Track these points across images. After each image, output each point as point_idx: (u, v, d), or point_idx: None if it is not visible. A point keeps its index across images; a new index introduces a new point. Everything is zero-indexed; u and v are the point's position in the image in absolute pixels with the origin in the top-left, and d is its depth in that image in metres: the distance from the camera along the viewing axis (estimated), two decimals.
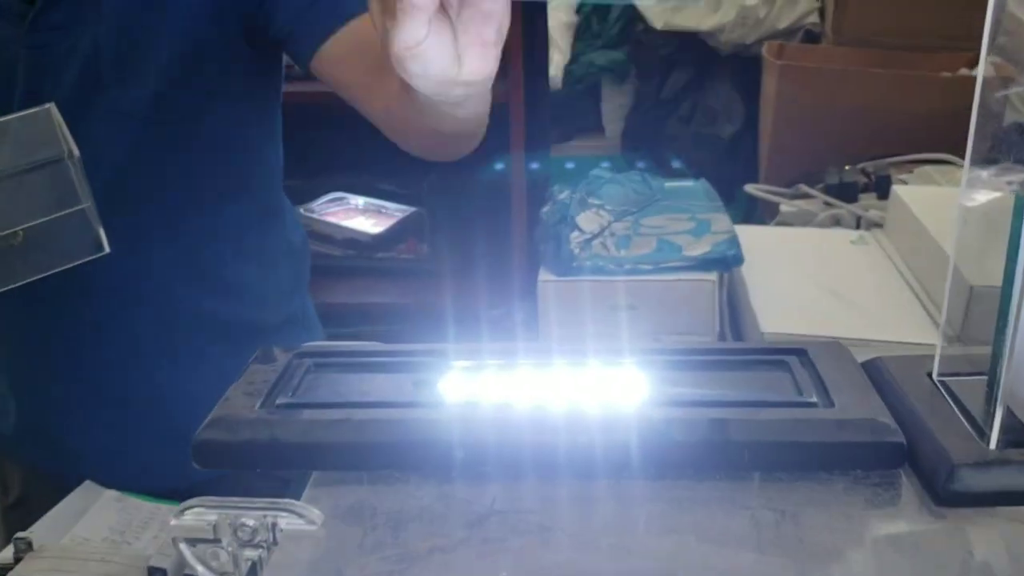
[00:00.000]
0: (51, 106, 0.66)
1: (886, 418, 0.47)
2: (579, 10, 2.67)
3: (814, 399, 0.49)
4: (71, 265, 0.71)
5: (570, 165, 2.25)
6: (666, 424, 0.46)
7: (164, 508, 0.87)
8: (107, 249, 0.69)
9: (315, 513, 0.44)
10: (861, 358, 0.96)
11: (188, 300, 0.90)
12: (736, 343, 0.56)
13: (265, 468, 0.48)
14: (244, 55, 0.85)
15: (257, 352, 0.55)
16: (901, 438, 0.46)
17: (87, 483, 0.90)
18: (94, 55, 0.79)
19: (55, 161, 0.64)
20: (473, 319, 1.38)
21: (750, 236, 1.16)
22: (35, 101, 0.78)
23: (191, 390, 0.92)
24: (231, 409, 0.49)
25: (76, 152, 0.64)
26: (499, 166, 1.42)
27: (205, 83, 0.84)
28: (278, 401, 0.50)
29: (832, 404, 0.48)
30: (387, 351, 0.56)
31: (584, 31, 2.61)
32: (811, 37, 2.09)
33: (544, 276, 1.11)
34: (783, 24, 2.07)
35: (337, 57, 0.80)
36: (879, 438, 0.46)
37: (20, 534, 0.77)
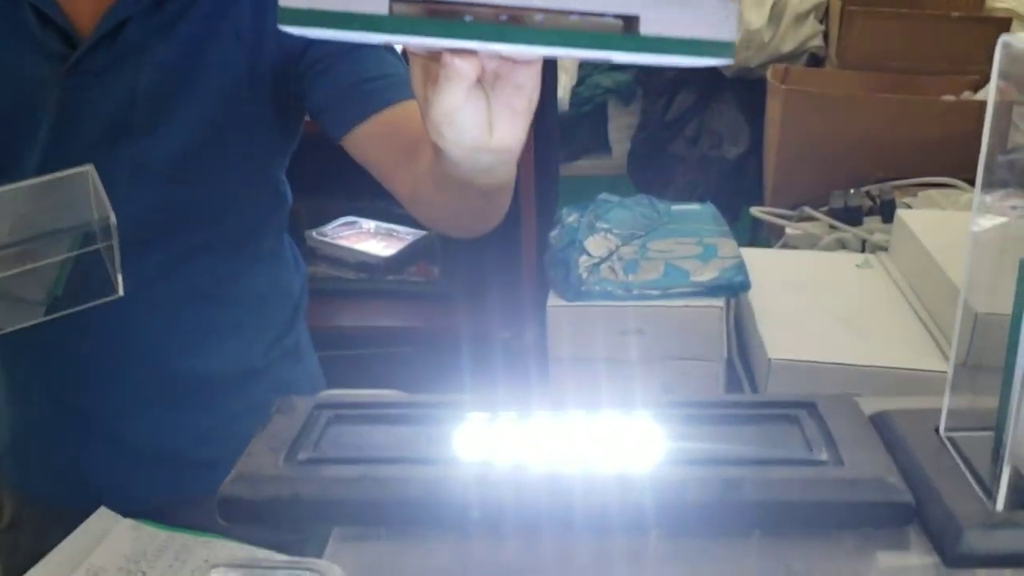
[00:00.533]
0: (90, 167, 0.69)
1: (894, 477, 0.47)
2: None
3: (824, 456, 0.49)
4: (86, 307, 0.73)
5: (576, 187, 2.27)
6: (681, 484, 0.47)
7: (178, 536, 0.88)
8: (120, 293, 0.71)
9: (337, 571, 0.45)
10: (866, 384, 0.97)
11: (184, 344, 0.92)
12: (745, 395, 0.56)
13: (288, 523, 0.49)
14: (271, 117, 0.87)
15: (277, 403, 0.56)
16: (910, 498, 0.47)
17: (102, 510, 0.90)
18: (128, 105, 0.81)
19: (86, 223, 0.66)
20: (483, 342, 1.39)
21: (756, 259, 1.17)
22: (60, 142, 0.80)
23: (184, 423, 0.94)
24: (254, 465, 0.50)
25: (113, 218, 0.66)
26: None
27: (230, 142, 0.85)
28: (300, 456, 0.51)
29: (841, 462, 0.49)
30: (406, 402, 0.57)
31: None
32: (815, 60, 2.11)
33: (553, 301, 1.12)
34: (787, 48, 2.09)
35: (369, 139, 0.82)
36: (888, 498, 0.47)
37: None
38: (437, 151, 0.52)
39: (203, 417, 0.93)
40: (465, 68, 0.44)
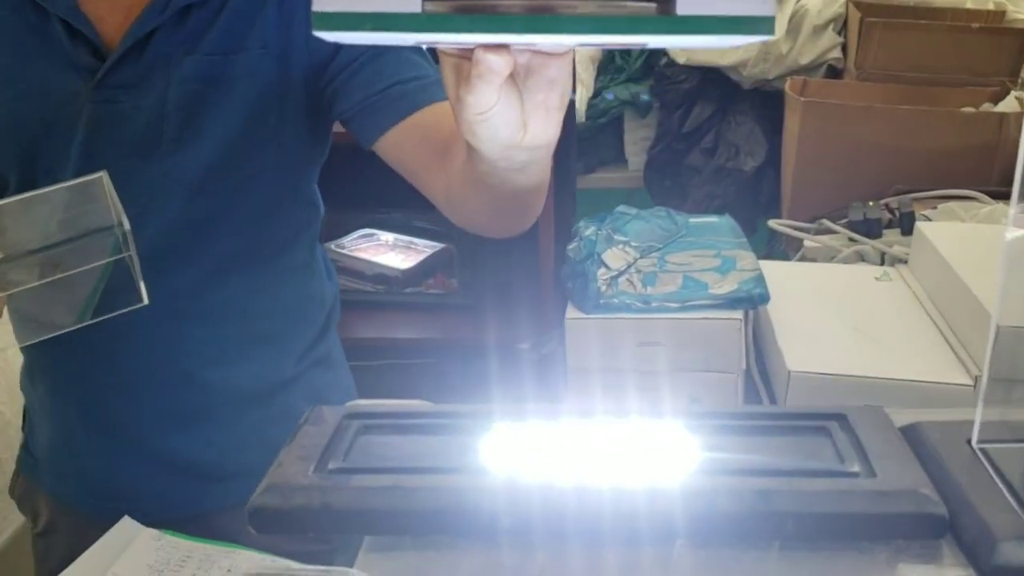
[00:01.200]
0: (103, 174, 0.69)
1: (928, 489, 0.47)
2: None
3: (856, 468, 0.49)
4: (111, 316, 0.74)
5: (593, 199, 2.27)
6: (713, 494, 0.47)
7: (200, 546, 0.88)
8: (146, 301, 0.72)
9: None
10: (887, 397, 0.97)
11: (217, 356, 0.92)
12: (775, 407, 0.56)
13: (318, 533, 0.50)
14: (302, 126, 0.87)
15: (307, 413, 0.56)
16: (943, 510, 0.47)
17: (125, 520, 0.90)
18: (158, 118, 0.81)
19: (105, 229, 0.67)
20: (501, 354, 1.40)
21: (774, 272, 1.17)
22: (91, 156, 0.81)
23: (216, 434, 0.94)
24: (285, 475, 0.51)
25: (127, 224, 0.66)
26: None
27: (261, 153, 0.86)
28: (330, 466, 0.52)
29: (874, 474, 0.49)
30: (434, 412, 0.57)
31: (607, 65, 2.64)
32: (833, 73, 2.10)
33: (572, 314, 1.13)
34: (805, 60, 2.09)
35: (402, 143, 0.82)
36: (922, 510, 0.47)
37: None
38: (471, 151, 0.52)
39: (235, 427, 0.94)
40: (498, 64, 0.44)
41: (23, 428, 1.02)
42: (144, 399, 0.91)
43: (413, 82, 0.82)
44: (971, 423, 0.51)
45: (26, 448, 1.01)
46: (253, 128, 0.84)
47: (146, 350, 0.89)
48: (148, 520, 0.90)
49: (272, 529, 0.49)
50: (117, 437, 0.93)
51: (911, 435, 0.52)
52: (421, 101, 0.81)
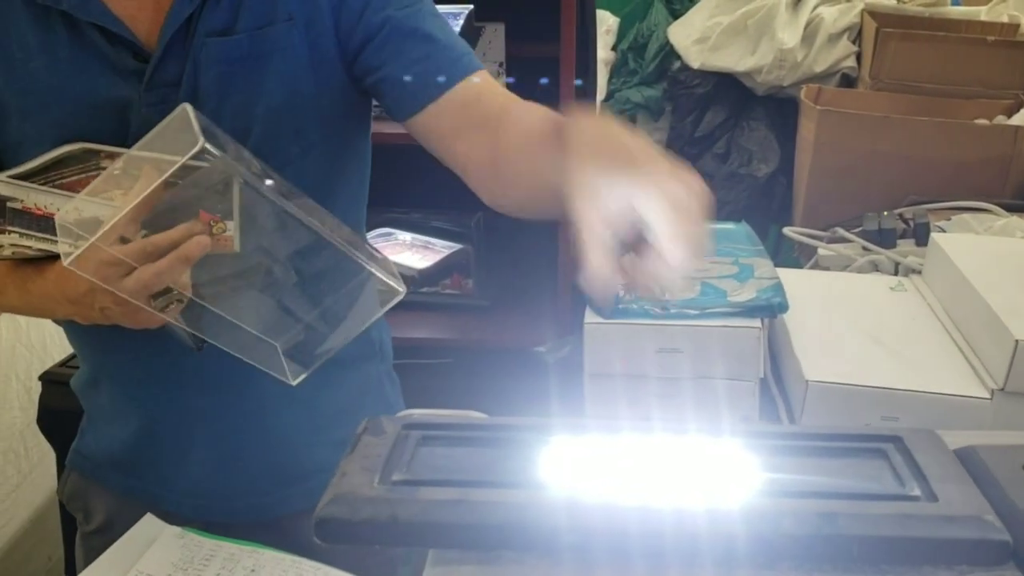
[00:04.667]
0: (187, 105, 0.69)
1: (990, 515, 0.48)
2: (615, 47, 2.72)
3: (917, 492, 0.50)
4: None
5: None
6: (777, 516, 0.48)
7: (225, 545, 0.88)
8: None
9: None
10: (904, 408, 0.97)
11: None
12: (829, 427, 0.57)
13: (385, 545, 0.50)
14: (340, 104, 0.86)
15: (365, 423, 0.57)
16: (1007, 536, 0.47)
17: (148, 517, 0.91)
18: (194, 106, 0.80)
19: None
20: (517, 355, 1.41)
21: (790, 280, 1.18)
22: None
23: (285, 426, 0.94)
24: (350, 486, 0.51)
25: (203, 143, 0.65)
26: None
27: (301, 133, 0.85)
28: (394, 477, 0.52)
29: (936, 498, 0.49)
30: (491, 425, 0.58)
31: (621, 68, 2.65)
32: (847, 81, 2.11)
33: (590, 318, 1.14)
34: (820, 68, 2.10)
35: (438, 119, 0.82)
36: (986, 535, 0.47)
37: None
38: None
39: (304, 416, 0.93)
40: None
41: (81, 431, 1.02)
42: (219, 390, 0.91)
43: (446, 54, 0.81)
44: (1022, 448, 0.52)
45: (80, 451, 1.02)
46: (293, 103, 0.83)
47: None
48: (212, 522, 0.91)
49: (338, 539, 0.50)
50: (193, 429, 0.93)
51: (964, 457, 0.53)
52: (458, 75, 0.80)
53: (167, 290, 0.71)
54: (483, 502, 0.49)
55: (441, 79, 0.81)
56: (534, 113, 0.79)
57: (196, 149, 0.64)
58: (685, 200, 0.56)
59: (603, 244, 0.55)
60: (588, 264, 0.55)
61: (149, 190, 0.66)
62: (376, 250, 0.79)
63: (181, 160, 0.65)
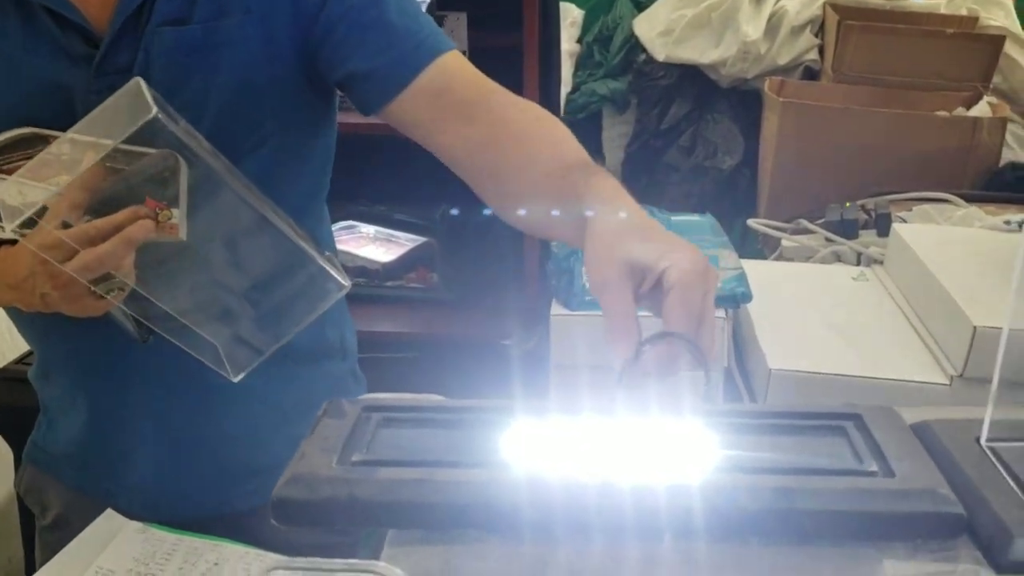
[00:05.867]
0: (138, 79, 0.68)
1: (945, 489, 0.49)
2: (581, 39, 2.72)
3: (874, 468, 0.51)
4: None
5: None
6: (734, 491, 0.48)
7: (186, 540, 0.87)
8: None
9: (398, 573, 0.45)
10: (865, 395, 0.98)
11: None
12: (789, 406, 0.57)
13: (343, 526, 0.49)
14: (297, 99, 0.85)
15: (325, 405, 0.56)
16: (961, 509, 0.48)
17: (108, 512, 0.90)
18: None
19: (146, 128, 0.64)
20: (483, 349, 1.40)
21: (754, 271, 1.18)
22: None
23: (238, 422, 0.93)
24: (308, 467, 0.50)
25: (155, 110, 0.64)
26: None
27: (254, 127, 0.83)
28: (354, 458, 0.52)
29: (892, 473, 0.50)
30: (452, 407, 0.58)
31: (586, 60, 2.65)
32: (810, 74, 2.13)
33: (556, 310, 1.13)
34: (783, 60, 2.12)
35: (409, 108, 0.80)
36: (940, 509, 0.48)
37: None
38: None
39: (260, 413, 0.92)
40: None
41: (37, 424, 1.00)
42: (167, 385, 0.89)
43: (408, 41, 0.80)
44: (976, 421, 0.52)
45: (36, 443, 1.00)
46: (246, 97, 0.81)
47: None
48: (165, 518, 0.89)
49: (296, 521, 0.49)
50: (152, 428, 0.91)
51: (921, 433, 0.53)
52: (422, 61, 0.79)
53: (109, 276, 0.70)
54: (443, 481, 0.49)
55: (405, 68, 0.79)
56: (537, 130, 0.78)
57: (150, 116, 0.63)
58: (702, 266, 0.58)
59: (627, 310, 0.58)
60: (613, 331, 0.58)
61: (94, 162, 0.65)
62: (318, 244, 0.78)
63: (133, 127, 0.63)
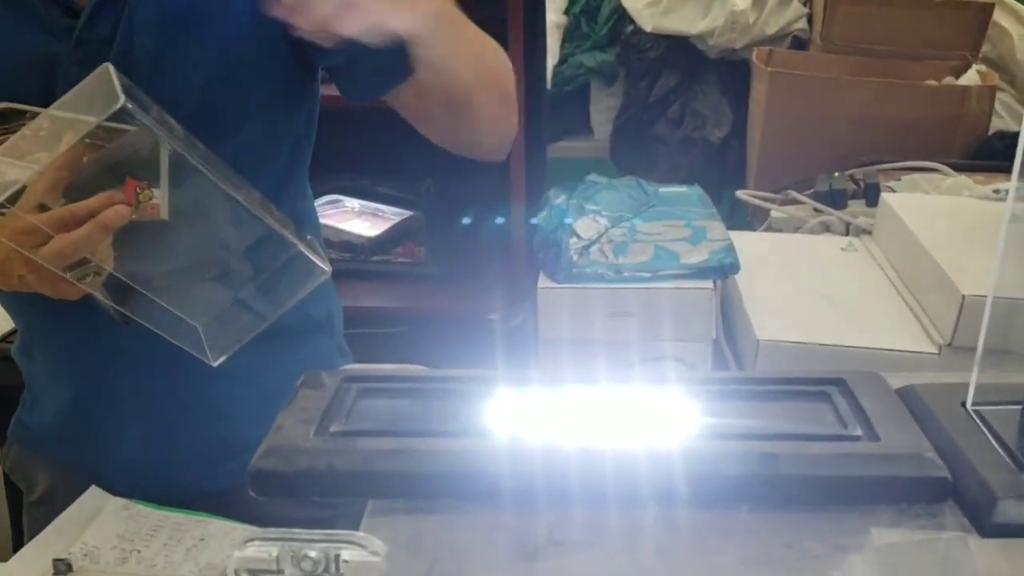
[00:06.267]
0: (108, 64, 0.67)
1: (931, 452, 0.48)
2: (567, 11, 2.69)
3: (859, 432, 0.50)
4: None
5: (558, 168, 2.26)
6: (717, 458, 0.48)
7: (172, 516, 0.87)
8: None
9: (378, 544, 0.44)
10: (853, 364, 0.98)
11: None
12: (774, 372, 0.57)
13: (322, 497, 0.49)
14: (283, 75, 0.84)
15: (303, 377, 0.55)
16: (946, 473, 0.48)
17: (93, 489, 0.90)
18: (128, 67, 0.75)
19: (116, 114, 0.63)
20: (471, 323, 1.39)
21: (742, 242, 1.18)
22: None
23: (224, 401, 0.92)
24: (286, 438, 0.50)
25: (123, 98, 0.63)
26: (497, 169, 1.44)
27: (240, 102, 0.82)
28: (332, 429, 0.51)
29: (877, 438, 0.49)
30: (432, 377, 0.57)
31: (573, 32, 2.62)
32: (798, 43, 2.11)
33: (543, 283, 1.13)
34: (771, 30, 2.10)
35: (395, 103, 0.84)
36: (925, 473, 0.48)
37: (59, 556, 0.78)
38: None
39: (246, 390, 0.91)
40: None
41: (22, 400, 1.00)
42: (152, 362, 0.88)
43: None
44: (962, 386, 0.52)
45: (21, 420, 0.99)
46: (232, 71, 0.80)
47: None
48: (152, 496, 0.89)
49: (274, 493, 0.49)
50: (127, 403, 0.91)
51: (906, 397, 0.53)
52: (408, 69, 0.78)
53: (84, 261, 0.69)
54: (423, 450, 0.49)
55: (391, 73, 0.80)
56: None
57: (116, 107, 0.62)
58: None
59: None
60: None
61: (62, 151, 0.64)
62: (298, 230, 0.77)
63: (98, 120, 0.62)
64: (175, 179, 0.69)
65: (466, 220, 1.56)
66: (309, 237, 0.77)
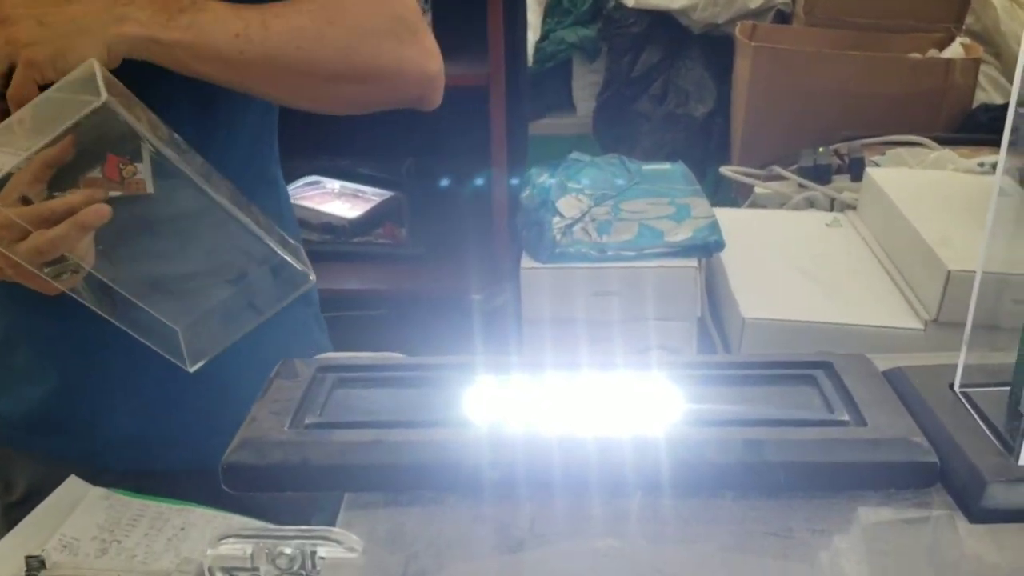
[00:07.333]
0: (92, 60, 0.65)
1: (919, 437, 0.47)
2: None
3: (845, 417, 0.49)
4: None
5: (540, 145, 2.24)
6: (702, 445, 0.47)
7: (152, 505, 0.86)
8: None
9: (354, 539, 0.43)
10: (839, 341, 0.98)
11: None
12: (760, 355, 0.56)
13: (297, 491, 0.48)
14: None
15: (278, 366, 0.54)
16: (935, 458, 0.47)
17: (71, 479, 0.88)
18: None
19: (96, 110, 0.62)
20: (454, 304, 1.38)
21: (727, 219, 1.17)
22: None
23: (213, 374, 0.91)
24: (259, 431, 0.48)
25: (105, 95, 0.62)
26: (478, 147, 1.42)
27: None
28: (307, 421, 0.50)
29: (864, 422, 0.48)
30: (409, 365, 0.56)
31: (555, 7, 2.59)
32: (782, 17, 2.10)
33: (527, 263, 1.12)
34: (754, 4, 2.08)
35: None
36: (913, 458, 0.47)
37: (31, 553, 0.76)
38: None
39: (233, 366, 0.91)
40: None
41: None
42: (138, 345, 0.87)
43: None
44: (950, 367, 0.51)
45: None
46: None
47: None
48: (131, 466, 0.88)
49: (247, 487, 0.48)
50: (117, 388, 0.90)
51: (893, 379, 0.52)
52: None
53: (62, 259, 0.67)
54: (399, 442, 0.47)
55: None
56: None
57: (98, 104, 0.60)
58: None
59: None
60: None
61: (40, 146, 0.63)
62: (286, 237, 0.76)
63: (79, 116, 0.61)
64: (156, 181, 0.68)
65: (444, 182, 1.54)
66: (293, 243, 0.75)
